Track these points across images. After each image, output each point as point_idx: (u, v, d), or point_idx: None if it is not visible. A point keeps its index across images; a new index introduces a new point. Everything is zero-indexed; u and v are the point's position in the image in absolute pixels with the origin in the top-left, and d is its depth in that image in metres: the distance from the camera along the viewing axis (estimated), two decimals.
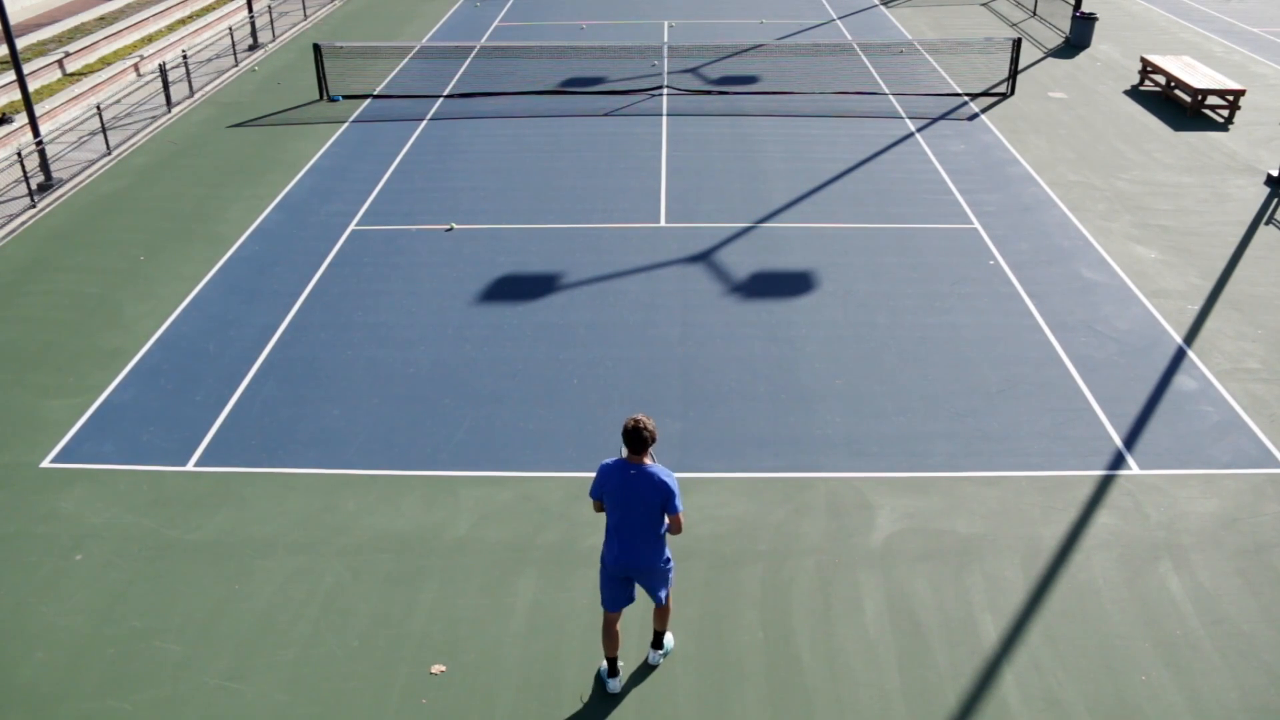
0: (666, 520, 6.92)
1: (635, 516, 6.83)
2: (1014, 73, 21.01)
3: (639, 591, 7.53)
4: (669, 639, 7.73)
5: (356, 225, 15.18)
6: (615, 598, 7.17)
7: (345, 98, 21.25)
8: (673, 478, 6.81)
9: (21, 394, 11.14)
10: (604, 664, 7.49)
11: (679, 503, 6.83)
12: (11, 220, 15.45)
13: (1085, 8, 27.82)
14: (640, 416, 6.73)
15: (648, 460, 6.80)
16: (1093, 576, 8.44)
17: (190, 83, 21.75)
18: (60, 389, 11.20)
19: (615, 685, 7.42)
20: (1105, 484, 9.55)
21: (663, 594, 7.23)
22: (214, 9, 28.54)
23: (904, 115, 19.83)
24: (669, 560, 7.16)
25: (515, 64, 23.61)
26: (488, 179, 16.81)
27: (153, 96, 21.38)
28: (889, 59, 23.79)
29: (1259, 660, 7.62)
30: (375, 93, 21.61)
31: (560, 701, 7.36)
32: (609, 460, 6.92)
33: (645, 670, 7.61)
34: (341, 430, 10.41)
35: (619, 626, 7.35)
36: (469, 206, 15.73)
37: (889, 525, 9.05)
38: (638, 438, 6.67)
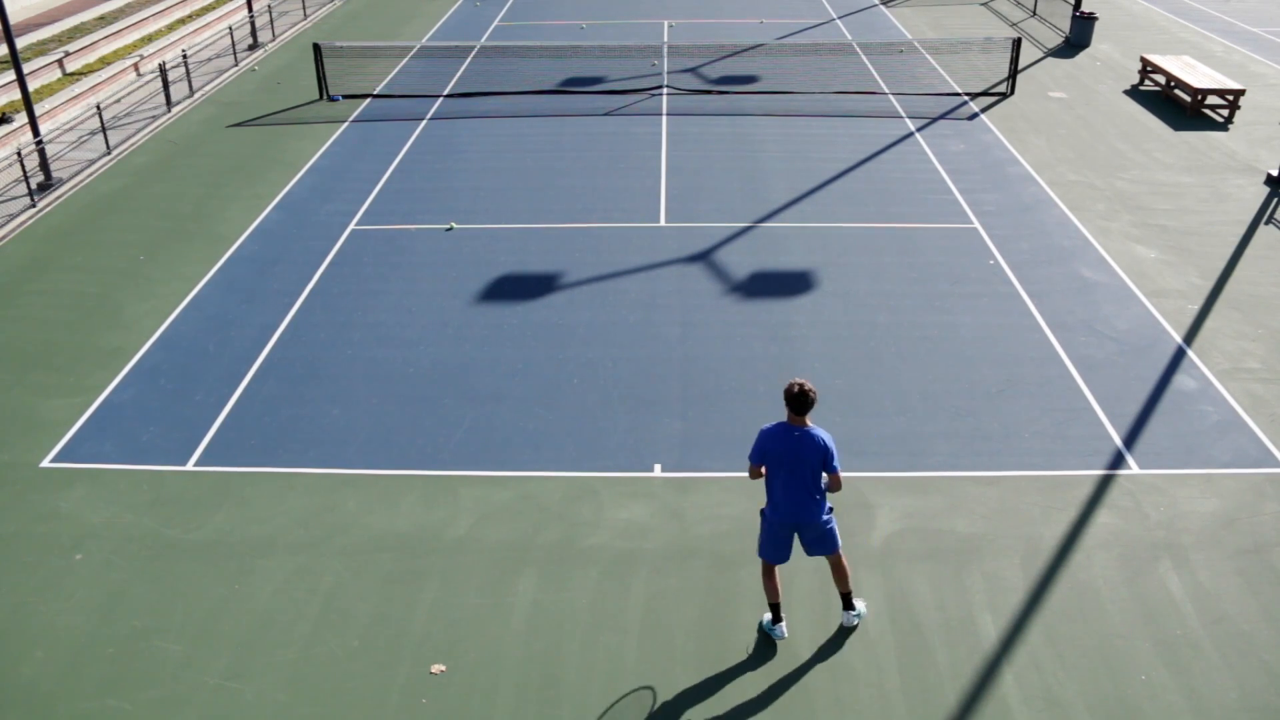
0: (826, 478, 7.43)
1: (800, 475, 7.34)
2: (1014, 72, 21.01)
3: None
4: (860, 603, 8.04)
5: (356, 225, 15.17)
6: (777, 552, 7.64)
7: (345, 97, 21.25)
8: (831, 438, 7.37)
9: (21, 394, 11.14)
10: (767, 615, 7.88)
11: (837, 462, 7.37)
12: (11, 220, 15.44)
13: (1085, 7, 27.80)
14: (803, 381, 7.25)
15: (808, 422, 7.33)
16: (1093, 576, 8.44)
17: (190, 82, 21.75)
18: (60, 389, 11.20)
19: (782, 631, 7.82)
20: (1105, 484, 9.55)
21: (832, 547, 7.67)
22: (214, 9, 28.54)
23: (904, 115, 19.83)
24: (830, 517, 7.60)
25: (515, 64, 23.61)
26: (488, 179, 16.80)
27: (153, 96, 21.38)
28: (889, 59, 23.79)
29: (1259, 660, 7.62)
30: (375, 93, 21.61)
31: (560, 701, 7.36)
32: (769, 425, 7.43)
33: (644, 669, 7.61)
34: (341, 430, 10.41)
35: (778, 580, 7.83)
36: (469, 206, 15.73)
37: (889, 525, 9.05)
38: (804, 401, 7.20)
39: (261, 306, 12.85)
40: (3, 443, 10.33)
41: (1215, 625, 7.94)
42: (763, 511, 7.65)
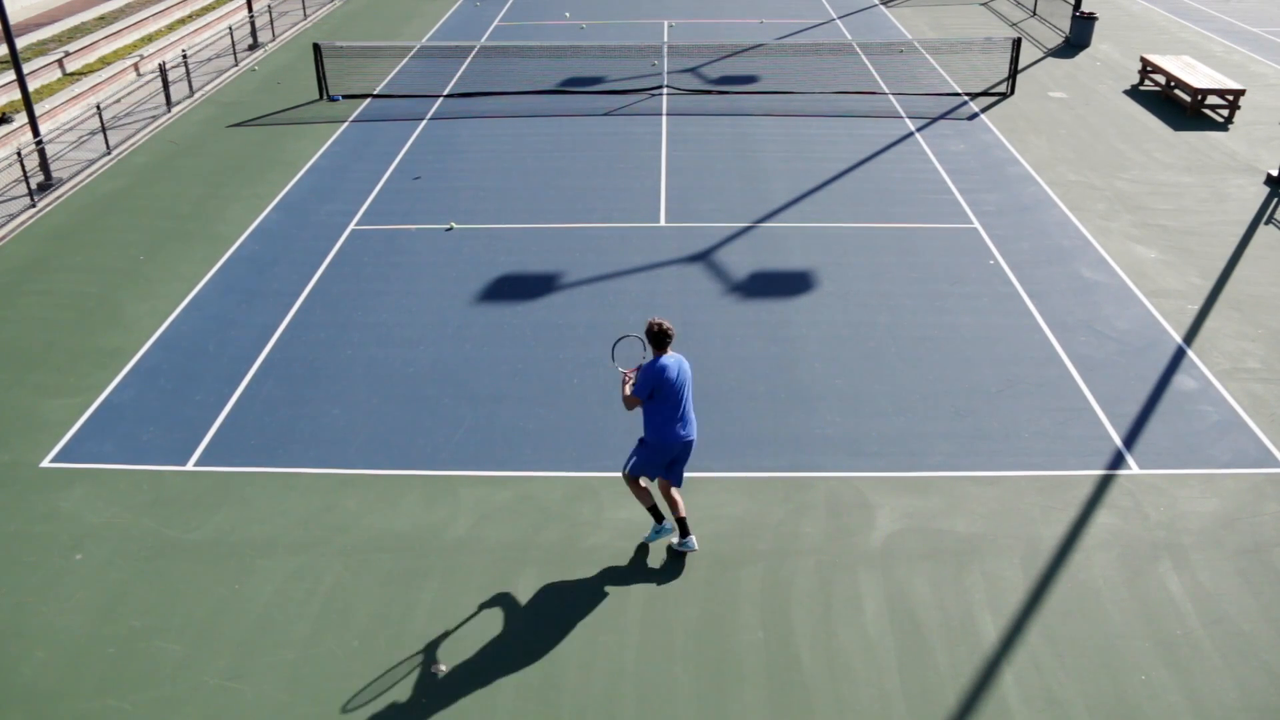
0: None
1: (685, 395, 8.36)
2: (1014, 72, 21.01)
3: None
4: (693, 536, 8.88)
5: (356, 225, 15.17)
6: (656, 470, 8.50)
7: (345, 97, 21.25)
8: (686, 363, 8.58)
9: (21, 394, 11.14)
10: (653, 530, 8.81)
11: None
12: (11, 220, 15.45)
13: (1085, 7, 27.81)
14: (660, 320, 8.23)
15: (668, 351, 8.34)
16: (1093, 576, 8.44)
17: (190, 82, 21.75)
18: (60, 389, 11.20)
19: (670, 525, 8.75)
20: (1105, 484, 9.55)
21: (681, 476, 8.61)
22: (214, 9, 28.55)
23: (904, 115, 19.83)
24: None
25: (515, 64, 23.61)
26: (488, 179, 16.81)
27: (153, 96, 21.39)
28: (889, 59, 23.79)
29: (1259, 660, 7.62)
30: (375, 93, 21.61)
31: (560, 701, 7.37)
32: (647, 364, 8.26)
33: (644, 669, 7.61)
34: (341, 430, 10.42)
35: None
36: (469, 206, 15.73)
37: (889, 525, 9.05)
38: (667, 337, 8.25)
39: (261, 306, 12.85)
40: (3, 443, 10.33)
41: (1215, 625, 7.94)
42: (644, 440, 8.41)
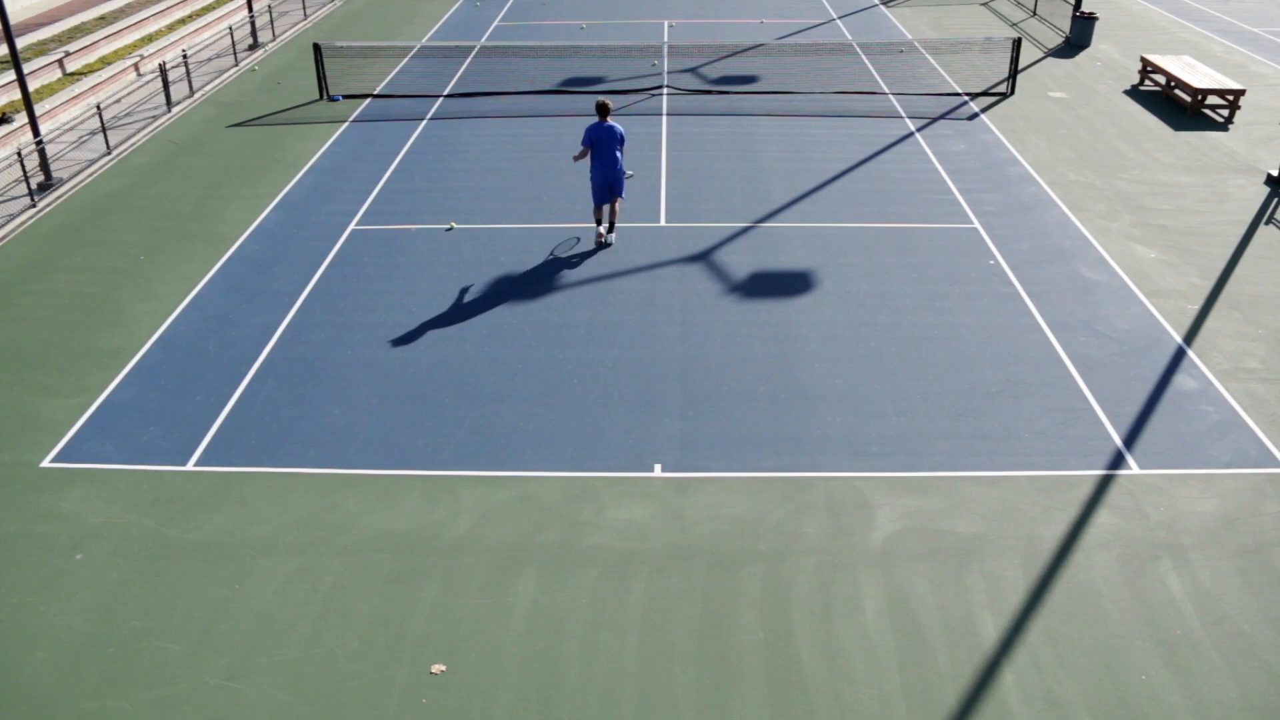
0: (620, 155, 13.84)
1: (610, 151, 13.68)
2: (1014, 72, 21.01)
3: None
4: (612, 236, 14.43)
5: (356, 225, 15.18)
6: (601, 200, 14.00)
7: (345, 97, 21.25)
8: (622, 128, 13.99)
9: (21, 394, 11.14)
10: (597, 228, 14.37)
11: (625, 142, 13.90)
12: (11, 220, 15.45)
13: (1085, 7, 27.81)
14: (601, 98, 13.58)
15: (608, 120, 13.62)
16: (1093, 576, 8.44)
17: (190, 82, 21.75)
18: (60, 389, 11.21)
19: (601, 232, 14.30)
20: (1105, 484, 9.55)
21: (621, 192, 14.04)
22: (214, 9, 28.55)
23: (904, 115, 19.83)
24: (623, 174, 13.91)
25: (515, 64, 23.61)
26: (488, 179, 16.81)
27: (153, 96, 21.39)
28: (889, 59, 23.79)
29: (1259, 660, 7.62)
30: (375, 93, 21.61)
31: (560, 701, 7.37)
32: (590, 125, 13.70)
33: (644, 669, 7.61)
34: (341, 430, 10.42)
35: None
36: (469, 206, 15.74)
37: (889, 525, 9.06)
38: (605, 109, 13.55)
39: (261, 306, 12.86)
40: (3, 443, 10.33)
41: (1215, 625, 7.94)
42: (592, 179, 13.78)
